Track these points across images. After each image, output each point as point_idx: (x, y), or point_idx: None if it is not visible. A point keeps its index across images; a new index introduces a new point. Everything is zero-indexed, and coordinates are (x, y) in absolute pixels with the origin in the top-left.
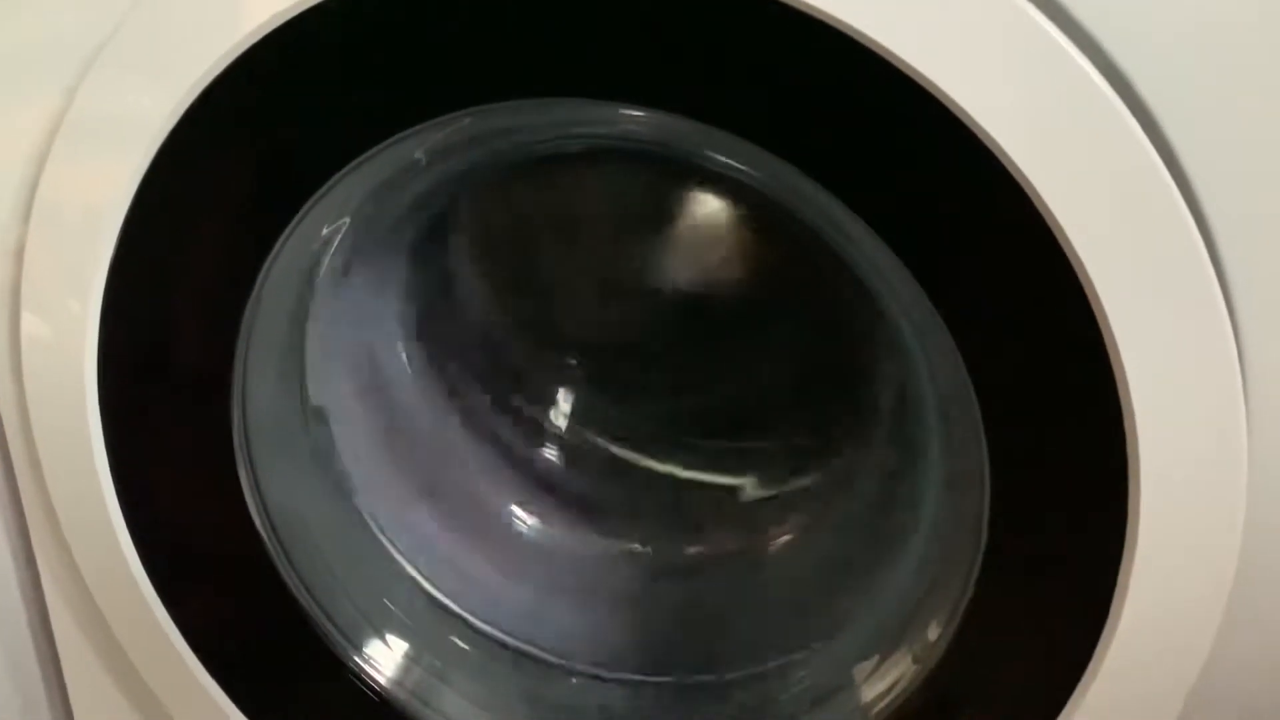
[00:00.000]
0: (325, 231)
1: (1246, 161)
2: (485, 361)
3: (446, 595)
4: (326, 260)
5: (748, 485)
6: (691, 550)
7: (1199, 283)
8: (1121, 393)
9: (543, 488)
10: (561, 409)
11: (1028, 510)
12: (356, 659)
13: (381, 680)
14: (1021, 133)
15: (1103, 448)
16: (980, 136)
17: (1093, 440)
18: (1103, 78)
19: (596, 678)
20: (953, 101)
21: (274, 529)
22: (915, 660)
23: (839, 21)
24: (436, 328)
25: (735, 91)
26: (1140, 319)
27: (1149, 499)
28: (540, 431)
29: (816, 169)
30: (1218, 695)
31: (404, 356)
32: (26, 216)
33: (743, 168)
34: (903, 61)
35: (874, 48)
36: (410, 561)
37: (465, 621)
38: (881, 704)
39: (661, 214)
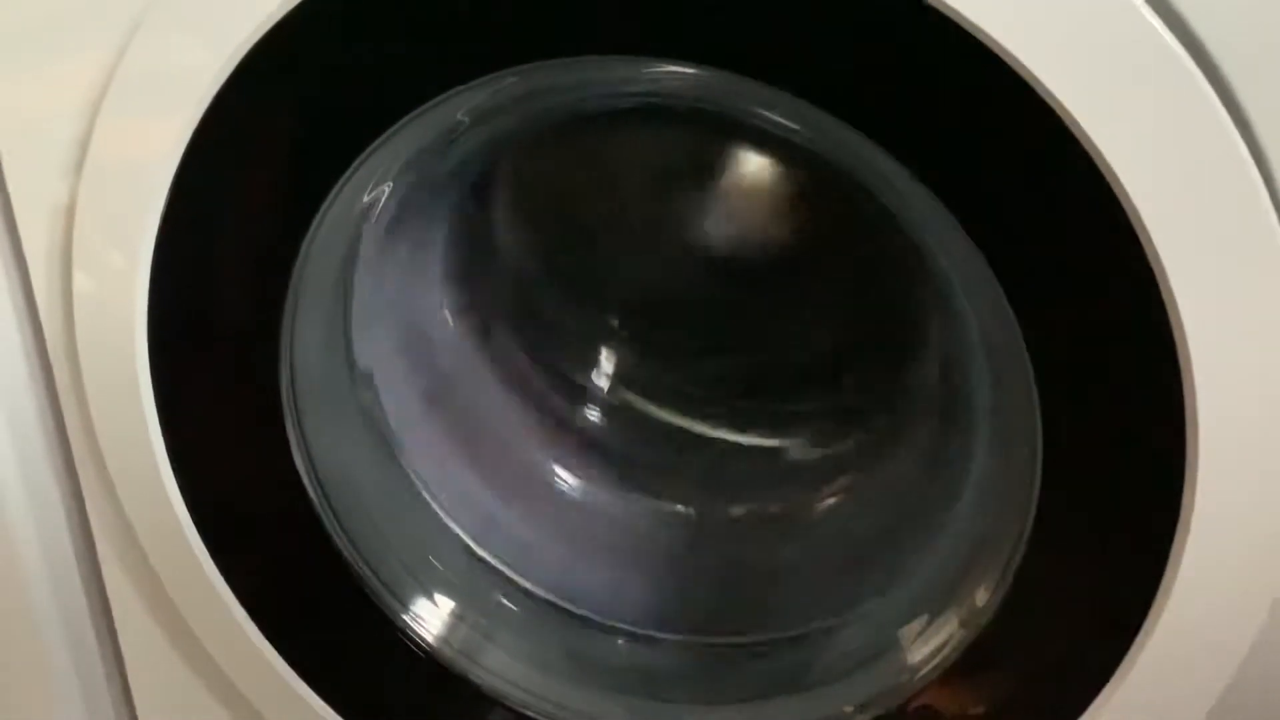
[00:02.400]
0: (371, 192)
1: None
2: (529, 322)
3: (491, 554)
4: (372, 220)
5: (793, 447)
6: (736, 511)
7: (1263, 244)
8: (1180, 352)
9: (586, 448)
10: (604, 369)
11: (1080, 473)
12: (404, 617)
13: (429, 638)
14: (1083, 87)
15: (1160, 408)
16: (1039, 92)
17: (1149, 401)
18: (1168, 29)
19: (641, 637)
20: (1005, 50)
21: (321, 486)
22: (962, 625)
23: None
24: (480, 288)
25: (782, 46)
26: (1200, 274)
27: (1206, 461)
28: (583, 392)
29: (866, 123)
30: (1272, 670)
31: (448, 316)
32: (78, 174)
33: (790, 124)
34: (962, 16)
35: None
36: (456, 520)
37: (511, 580)
38: (928, 667)
39: (708, 172)
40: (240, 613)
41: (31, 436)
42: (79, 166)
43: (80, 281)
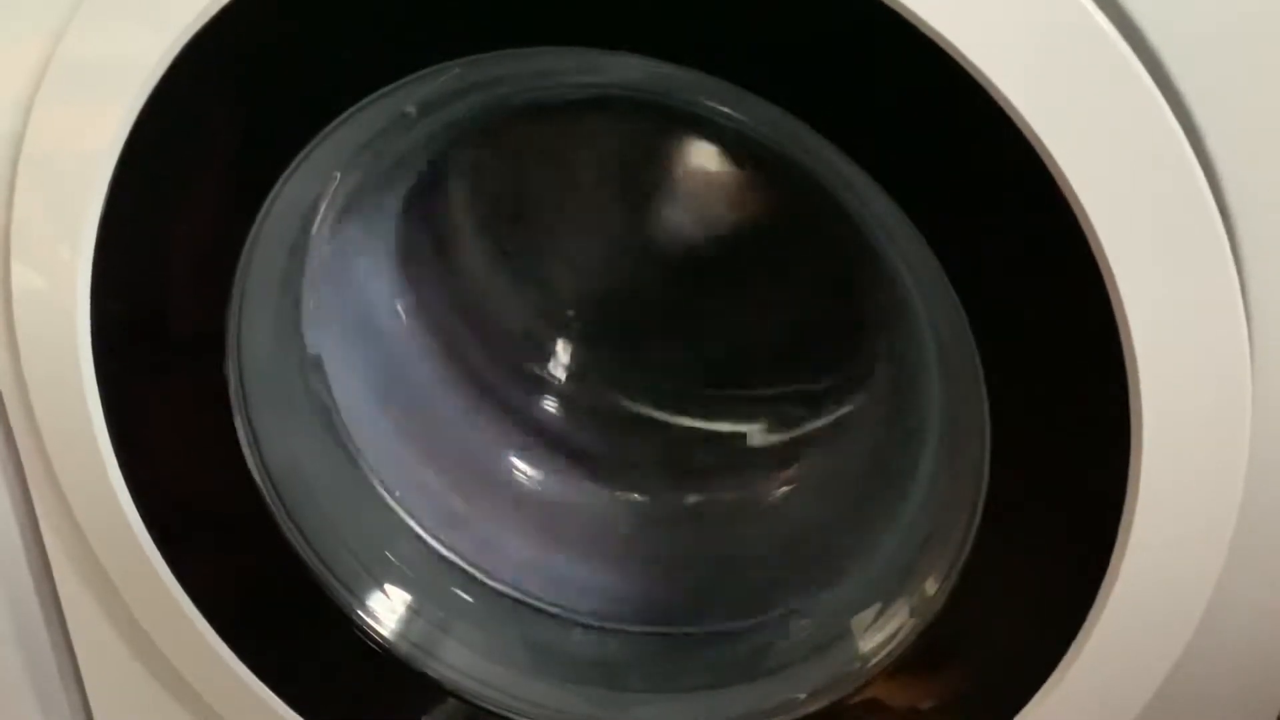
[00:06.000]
0: (318, 183)
1: (1258, 116)
2: (482, 313)
3: (447, 547)
4: (320, 212)
5: (747, 435)
6: (691, 500)
7: (1204, 227)
8: (1125, 343)
9: (542, 438)
10: (560, 360)
11: (1028, 464)
12: (359, 612)
13: (384, 632)
14: (1027, 83)
15: (1105, 401)
16: (982, 83)
17: (1095, 393)
18: (1114, 27)
19: (598, 627)
20: (951, 45)
21: (273, 483)
22: (913, 613)
23: None
24: (432, 279)
25: (727, 37)
26: (1143, 263)
27: (1150, 456)
28: (539, 382)
29: (815, 118)
30: (1214, 652)
31: (399, 308)
32: (14, 167)
33: (740, 116)
34: (906, 9)
35: None
36: (410, 513)
37: (466, 573)
38: (880, 655)
39: (659, 163)
40: (193, 611)
41: None
42: (15, 159)
43: (20, 276)
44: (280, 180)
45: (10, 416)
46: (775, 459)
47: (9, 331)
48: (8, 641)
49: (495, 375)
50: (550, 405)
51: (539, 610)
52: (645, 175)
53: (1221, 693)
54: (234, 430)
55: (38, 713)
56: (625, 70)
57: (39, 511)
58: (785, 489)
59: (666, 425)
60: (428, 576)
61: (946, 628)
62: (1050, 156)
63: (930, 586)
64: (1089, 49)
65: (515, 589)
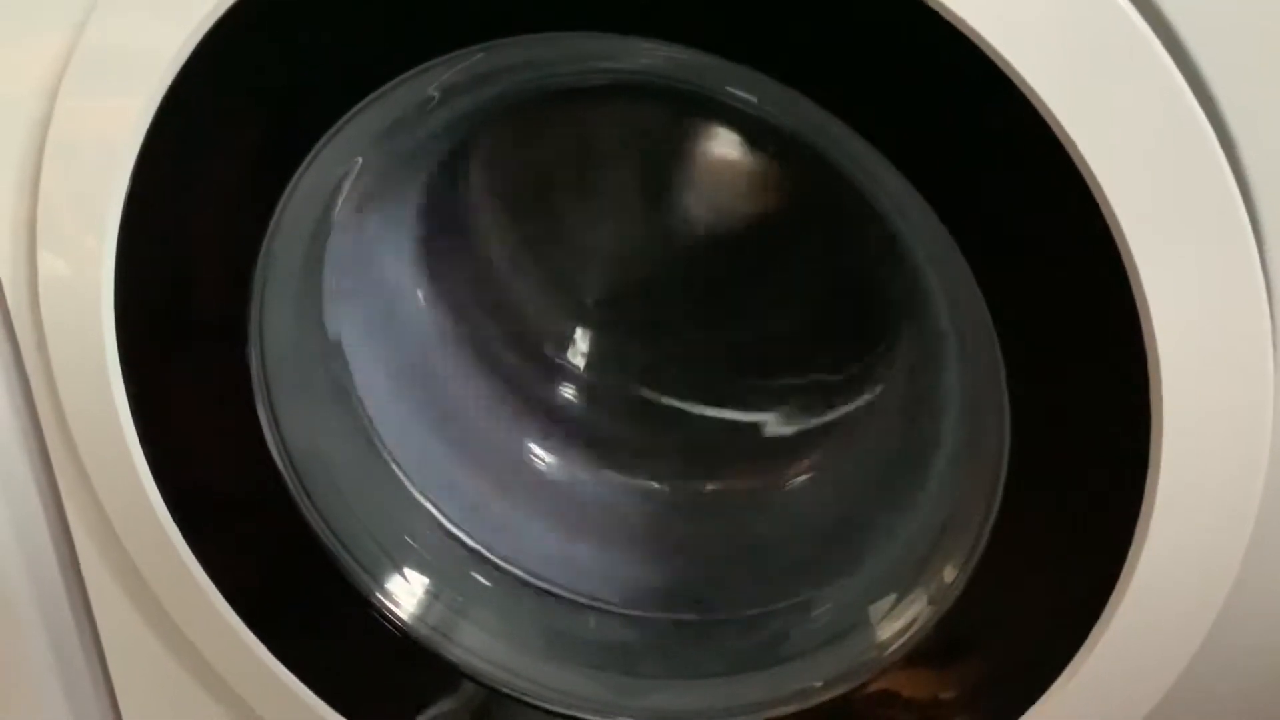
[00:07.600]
0: (339, 169)
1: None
2: (502, 299)
3: (466, 532)
4: (341, 198)
5: (766, 423)
6: (709, 488)
7: (1226, 215)
8: (1145, 330)
9: (560, 425)
10: (579, 347)
11: (1047, 455)
12: (378, 595)
13: (403, 616)
14: (1044, 62)
15: (1125, 388)
16: (999, 64)
17: (1114, 381)
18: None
19: (616, 613)
20: (961, 20)
21: (294, 467)
22: (931, 602)
23: None
24: (452, 265)
25: (748, 23)
26: (1165, 251)
27: (1170, 441)
28: (558, 370)
29: (834, 103)
30: (1233, 642)
31: (419, 294)
32: (40, 156)
33: (761, 103)
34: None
35: None
36: (430, 498)
37: (485, 557)
38: (897, 643)
39: (680, 149)
40: (216, 596)
41: (4, 424)
42: (40, 149)
43: (47, 264)
44: (302, 166)
45: (36, 402)
46: (793, 447)
47: (36, 318)
48: (33, 625)
49: (515, 363)
50: (569, 393)
51: (556, 595)
52: (666, 162)
53: (1236, 688)
54: (256, 415)
55: (62, 695)
56: (647, 56)
57: (64, 497)
58: (803, 477)
59: (686, 413)
60: (446, 561)
61: (964, 616)
62: (1076, 148)
63: (948, 574)
64: (1112, 33)
65: (533, 574)
